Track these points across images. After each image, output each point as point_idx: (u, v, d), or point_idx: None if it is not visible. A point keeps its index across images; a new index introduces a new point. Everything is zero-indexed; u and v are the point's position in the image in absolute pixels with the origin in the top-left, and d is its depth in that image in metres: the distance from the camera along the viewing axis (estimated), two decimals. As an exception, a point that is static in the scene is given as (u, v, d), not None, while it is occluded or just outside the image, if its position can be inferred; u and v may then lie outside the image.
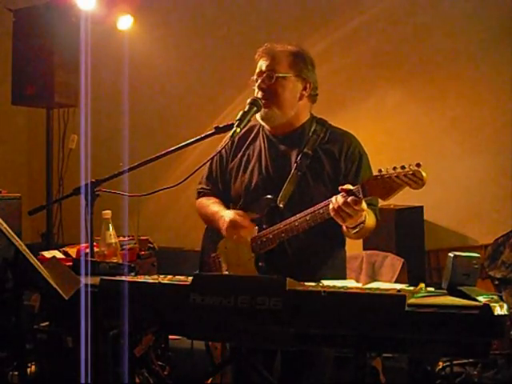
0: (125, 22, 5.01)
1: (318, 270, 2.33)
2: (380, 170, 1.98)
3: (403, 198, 4.52)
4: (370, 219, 2.23)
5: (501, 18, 4.64)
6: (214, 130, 2.33)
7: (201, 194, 2.67)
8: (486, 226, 4.60)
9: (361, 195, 2.02)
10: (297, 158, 2.39)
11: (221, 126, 2.32)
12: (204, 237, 2.67)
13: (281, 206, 2.35)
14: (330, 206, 2.10)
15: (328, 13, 5.11)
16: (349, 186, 2.06)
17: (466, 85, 4.79)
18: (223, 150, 2.56)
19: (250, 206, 2.45)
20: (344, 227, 2.22)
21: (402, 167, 1.92)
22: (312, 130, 2.44)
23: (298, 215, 2.25)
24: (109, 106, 5.20)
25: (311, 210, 2.21)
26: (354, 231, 2.19)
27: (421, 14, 4.87)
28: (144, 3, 5.12)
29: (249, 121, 2.34)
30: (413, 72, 4.91)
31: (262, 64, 2.42)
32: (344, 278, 2.34)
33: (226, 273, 2.48)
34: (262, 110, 2.39)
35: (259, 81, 2.41)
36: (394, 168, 1.93)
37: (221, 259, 2.53)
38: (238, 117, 2.31)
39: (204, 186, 2.66)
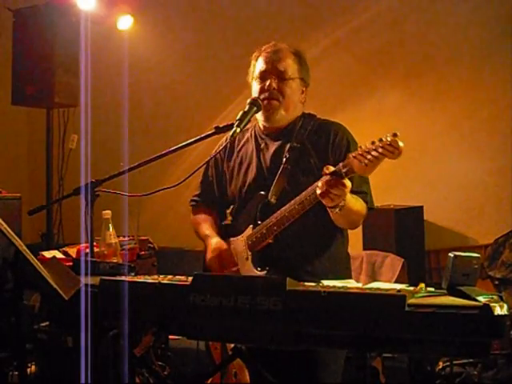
0: (125, 22, 5.01)
1: (316, 265, 2.33)
2: (360, 147, 1.97)
3: (403, 198, 4.59)
4: (355, 202, 2.22)
5: (501, 19, 4.64)
6: (214, 130, 2.32)
7: (193, 204, 2.66)
8: (486, 226, 4.60)
9: (343, 173, 2.01)
10: (285, 153, 2.39)
11: (221, 126, 2.32)
12: None
13: (272, 200, 2.35)
14: (318, 191, 2.08)
15: (328, 13, 5.11)
16: (330, 168, 2.05)
17: (466, 85, 4.79)
18: (218, 154, 2.55)
19: (244, 206, 2.44)
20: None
21: (380, 140, 1.91)
22: (300, 124, 2.44)
23: (286, 205, 2.24)
24: (109, 106, 5.20)
25: (299, 198, 2.20)
26: (336, 210, 2.15)
27: (421, 14, 4.87)
28: (144, 3, 5.13)
29: (249, 121, 2.34)
30: (413, 72, 4.91)
31: (269, 64, 2.39)
32: (347, 276, 2.32)
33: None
34: (268, 111, 2.38)
35: (269, 81, 2.38)
36: (373, 142, 1.93)
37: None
38: (238, 117, 2.30)
39: (197, 193, 2.64)
